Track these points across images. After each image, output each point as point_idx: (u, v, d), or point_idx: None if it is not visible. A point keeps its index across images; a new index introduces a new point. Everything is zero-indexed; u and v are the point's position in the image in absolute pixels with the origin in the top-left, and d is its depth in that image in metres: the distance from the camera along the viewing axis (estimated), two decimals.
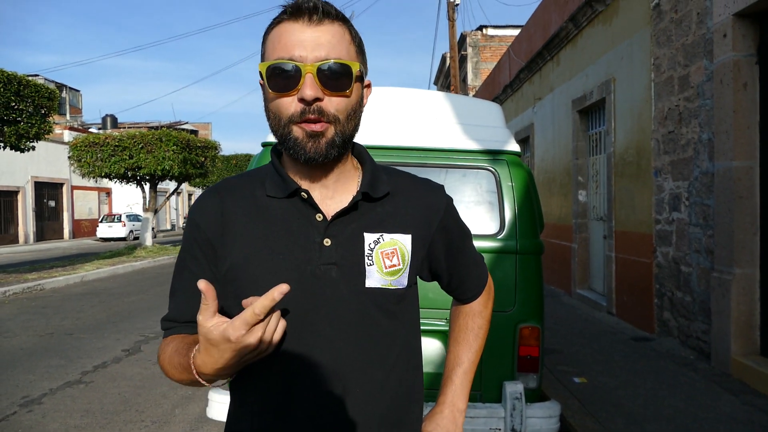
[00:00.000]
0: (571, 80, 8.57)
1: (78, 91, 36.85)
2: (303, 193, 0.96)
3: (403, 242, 1.00)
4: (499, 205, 2.66)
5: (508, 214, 2.64)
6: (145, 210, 17.50)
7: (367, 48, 1.03)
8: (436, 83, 30.59)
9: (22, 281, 10.37)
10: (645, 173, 6.12)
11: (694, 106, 5.11)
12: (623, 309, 6.64)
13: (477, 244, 2.61)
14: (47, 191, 26.40)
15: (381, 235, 0.99)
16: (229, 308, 0.92)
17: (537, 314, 2.60)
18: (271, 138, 2.77)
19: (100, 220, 27.65)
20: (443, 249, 1.09)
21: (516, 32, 18.14)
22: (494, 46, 22.26)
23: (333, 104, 0.92)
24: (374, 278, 0.97)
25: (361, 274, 0.96)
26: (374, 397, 0.98)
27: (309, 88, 0.89)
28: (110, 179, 17.13)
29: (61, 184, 27.35)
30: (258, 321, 0.79)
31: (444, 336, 2.59)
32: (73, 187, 28.09)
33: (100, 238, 26.59)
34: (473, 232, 2.63)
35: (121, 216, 27.08)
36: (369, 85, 1.03)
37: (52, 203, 26.89)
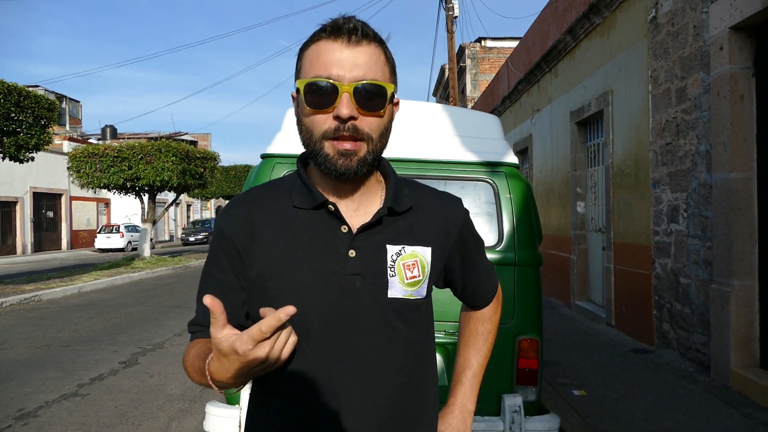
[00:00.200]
0: (569, 92, 8.61)
1: (78, 101, 36.96)
2: (330, 206, 1.00)
3: (423, 255, 1.05)
4: (497, 217, 2.66)
5: (507, 226, 2.64)
6: (144, 221, 17.49)
7: None
8: (435, 95, 30.73)
9: (19, 292, 10.33)
10: (643, 185, 6.13)
11: (691, 118, 5.13)
12: (622, 321, 6.62)
13: None
14: (46, 202, 26.40)
15: (403, 248, 1.03)
16: (256, 315, 0.95)
17: (536, 326, 2.59)
18: (271, 149, 2.78)
19: (98, 230, 27.63)
20: (459, 260, 1.15)
21: (514, 44, 18.27)
22: (493, 58, 22.39)
23: (367, 123, 0.96)
24: (396, 289, 1.01)
25: (384, 285, 1.01)
26: (395, 401, 1.02)
27: (345, 106, 0.92)
28: (109, 190, 17.14)
29: (60, 195, 27.34)
30: (265, 338, 0.81)
31: (443, 348, 2.58)
32: (72, 198, 28.09)
33: (99, 248, 26.54)
34: None
35: (119, 227, 27.06)
36: (397, 103, 1.07)
37: (50, 214, 26.87)
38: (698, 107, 5.01)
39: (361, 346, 0.99)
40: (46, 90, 29.39)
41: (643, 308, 6.08)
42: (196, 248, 27.68)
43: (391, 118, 1.02)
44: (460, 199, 1.17)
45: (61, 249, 27.43)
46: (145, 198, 17.58)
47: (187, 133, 41.31)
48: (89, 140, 32.12)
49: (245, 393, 2.35)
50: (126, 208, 31.82)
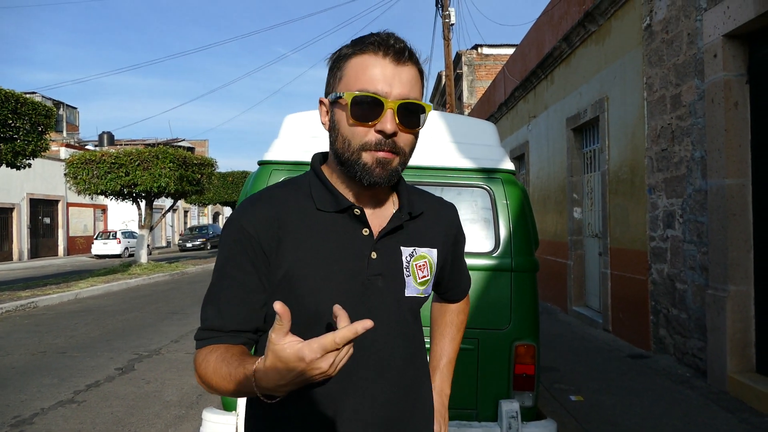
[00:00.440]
0: (565, 99, 8.66)
1: (75, 108, 36.96)
2: (356, 210, 1.05)
3: (431, 256, 1.14)
4: (494, 223, 2.67)
5: (503, 232, 2.65)
6: (141, 227, 17.45)
7: None
8: (432, 101, 30.82)
9: (15, 299, 10.29)
10: (639, 191, 6.16)
11: (686, 124, 5.17)
12: (619, 326, 6.64)
13: (472, 261, 2.62)
14: (42, 208, 26.33)
15: (414, 249, 1.12)
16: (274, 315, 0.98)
17: (533, 332, 2.60)
18: (269, 156, 2.79)
19: (95, 237, 27.53)
20: (451, 258, 1.25)
21: (511, 51, 18.35)
22: (489, 65, 22.48)
23: (403, 139, 1.02)
24: (411, 288, 1.10)
25: (402, 285, 1.09)
26: (410, 392, 1.11)
27: (389, 123, 0.98)
28: (106, 196, 17.12)
29: (57, 201, 27.28)
30: (335, 349, 0.82)
31: None
32: (69, 204, 28.02)
33: (95, 255, 26.46)
34: (469, 249, 2.65)
35: (116, 233, 26.97)
36: None
37: (47, 220, 26.79)
38: (693, 114, 5.05)
39: (380, 341, 1.05)
40: (43, 96, 29.40)
41: (639, 313, 6.09)
42: (194, 254, 27.62)
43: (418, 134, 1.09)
44: (453, 204, 1.28)
45: (57, 255, 27.33)
46: (142, 204, 17.56)
47: (184, 140, 41.30)
48: (86, 147, 32.08)
49: (242, 399, 2.35)
50: (123, 214, 31.73)
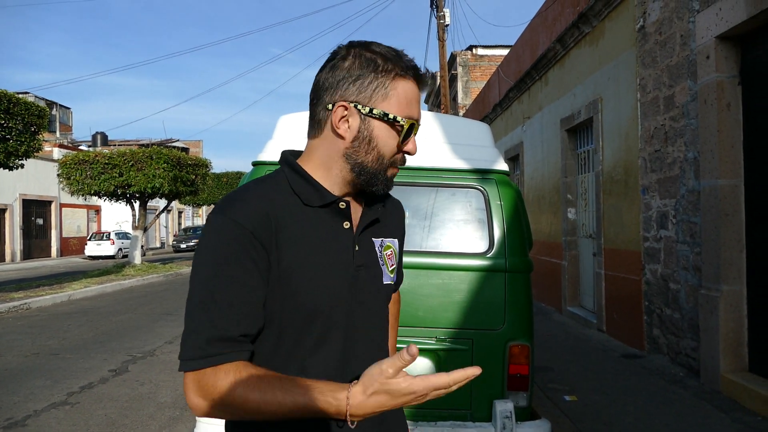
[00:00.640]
0: (559, 100, 8.69)
1: (68, 108, 36.79)
2: (342, 204, 1.09)
3: (394, 246, 1.22)
4: (488, 224, 2.68)
5: (497, 233, 2.66)
6: (135, 228, 17.38)
7: None
8: (426, 102, 30.84)
9: (7, 300, 10.23)
10: (633, 191, 6.19)
11: (679, 125, 5.20)
12: (613, 326, 6.66)
13: (467, 262, 2.63)
14: (35, 209, 26.18)
15: (382, 240, 1.18)
16: (281, 308, 1.01)
17: (527, 332, 2.60)
18: (263, 157, 2.78)
19: (88, 238, 27.39)
20: (400, 250, 1.33)
21: (505, 52, 18.40)
22: (484, 66, 22.54)
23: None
24: (386, 276, 1.17)
25: (379, 274, 1.15)
26: None
27: (414, 146, 1.10)
28: (99, 197, 17.03)
29: (50, 202, 27.14)
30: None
31: (434, 354, 2.59)
32: (62, 205, 27.88)
33: (89, 256, 26.31)
34: (463, 250, 2.66)
35: (110, 234, 26.84)
36: None
37: (40, 221, 26.64)
38: (686, 115, 5.08)
39: (367, 327, 1.12)
40: (36, 97, 29.25)
41: (633, 313, 6.12)
42: (188, 255, 27.52)
43: None
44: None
45: (50, 256, 27.18)
46: (136, 205, 17.48)
47: (178, 140, 41.17)
48: (80, 147, 31.92)
49: None
50: (116, 215, 31.59)
